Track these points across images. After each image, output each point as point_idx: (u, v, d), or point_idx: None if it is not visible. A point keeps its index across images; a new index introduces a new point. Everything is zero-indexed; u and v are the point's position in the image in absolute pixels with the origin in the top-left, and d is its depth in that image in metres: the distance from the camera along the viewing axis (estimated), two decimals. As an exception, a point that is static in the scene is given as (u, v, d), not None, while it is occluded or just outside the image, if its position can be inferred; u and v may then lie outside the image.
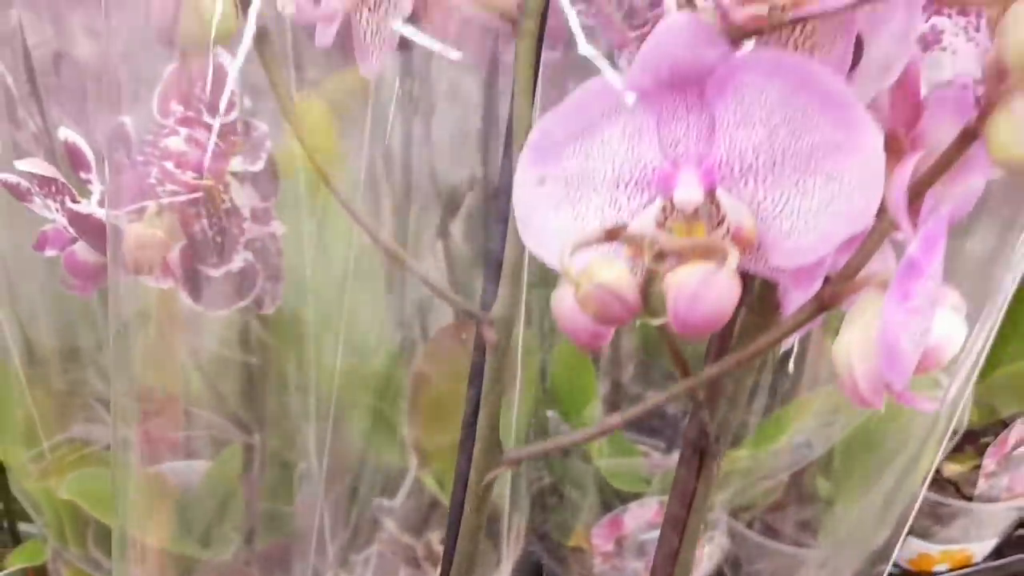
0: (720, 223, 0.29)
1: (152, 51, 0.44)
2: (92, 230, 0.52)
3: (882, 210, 0.28)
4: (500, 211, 0.30)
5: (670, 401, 0.30)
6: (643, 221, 0.29)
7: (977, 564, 0.88)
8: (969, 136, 0.28)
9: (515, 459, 0.30)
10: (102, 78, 0.47)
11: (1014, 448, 0.82)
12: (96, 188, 0.54)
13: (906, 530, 0.66)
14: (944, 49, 0.49)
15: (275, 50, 0.29)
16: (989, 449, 0.81)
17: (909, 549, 0.87)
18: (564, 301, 0.28)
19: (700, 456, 0.34)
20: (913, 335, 0.25)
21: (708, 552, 0.80)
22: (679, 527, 0.35)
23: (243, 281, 0.53)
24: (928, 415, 0.74)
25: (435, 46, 0.28)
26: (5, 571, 0.74)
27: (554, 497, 0.79)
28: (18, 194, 0.52)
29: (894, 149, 0.31)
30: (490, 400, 0.29)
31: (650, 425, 0.78)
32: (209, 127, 0.47)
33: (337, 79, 0.47)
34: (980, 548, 0.88)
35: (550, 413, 0.75)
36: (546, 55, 0.31)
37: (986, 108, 0.27)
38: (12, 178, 0.51)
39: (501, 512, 0.66)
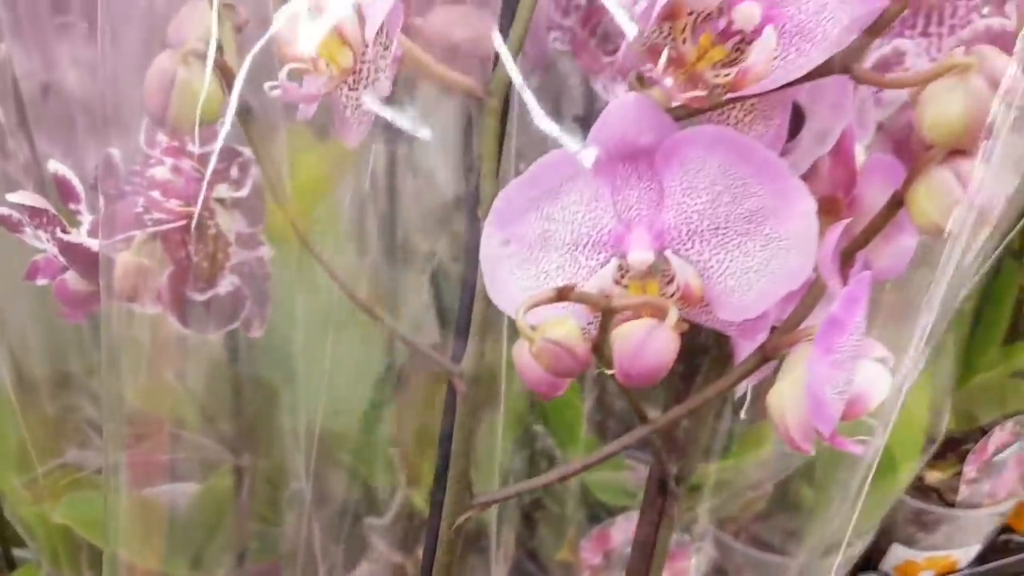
0: (671, 281, 0.33)
1: (138, 79, 0.46)
2: (81, 259, 0.54)
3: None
4: (468, 269, 0.34)
5: (626, 447, 0.34)
6: (601, 279, 0.33)
7: (962, 570, 0.92)
8: (898, 201, 0.32)
9: (486, 503, 0.33)
10: (92, 109, 0.50)
11: (994, 454, 0.85)
12: (85, 218, 0.56)
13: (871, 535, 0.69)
14: (907, 70, 0.53)
15: (261, 126, 0.32)
16: (969, 456, 0.84)
17: (894, 556, 0.90)
18: (522, 355, 0.31)
19: (663, 496, 0.37)
20: (837, 386, 0.29)
21: (695, 563, 0.83)
22: (644, 563, 0.38)
23: (231, 305, 0.55)
24: (912, 415, 0.78)
25: (407, 125, 0.31)
26: (1, 597, 0.77)
27: (542, 511, 0.81)
28: (9, 225, 0.54)
29: (833, 211, 0.34)
30: (461, 446, 0.32)
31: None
32: (194, 156, 0.50)
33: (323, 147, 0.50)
34: (964, 554, 0.91)
35: (538, 427, 0.78)
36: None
37: (909, 176, 0.31)
38: (4, 210, 0.53)
39: (489, 528, 0.69)
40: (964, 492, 0.86)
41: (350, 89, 0.34)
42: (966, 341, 0.82)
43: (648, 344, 0.29)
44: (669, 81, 0.30)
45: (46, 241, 0.55)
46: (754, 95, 0.31)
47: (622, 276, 0.33)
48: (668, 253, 0.32)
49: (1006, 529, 0.94)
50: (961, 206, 0.29)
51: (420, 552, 0.74)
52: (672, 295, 0.33)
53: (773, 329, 0.34)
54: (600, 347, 0.31)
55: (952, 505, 0.87)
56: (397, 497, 0.74)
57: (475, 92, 0.33)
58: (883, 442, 0.34)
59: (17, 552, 0.79)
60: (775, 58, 0.30)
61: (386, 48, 0.33)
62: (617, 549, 0.79)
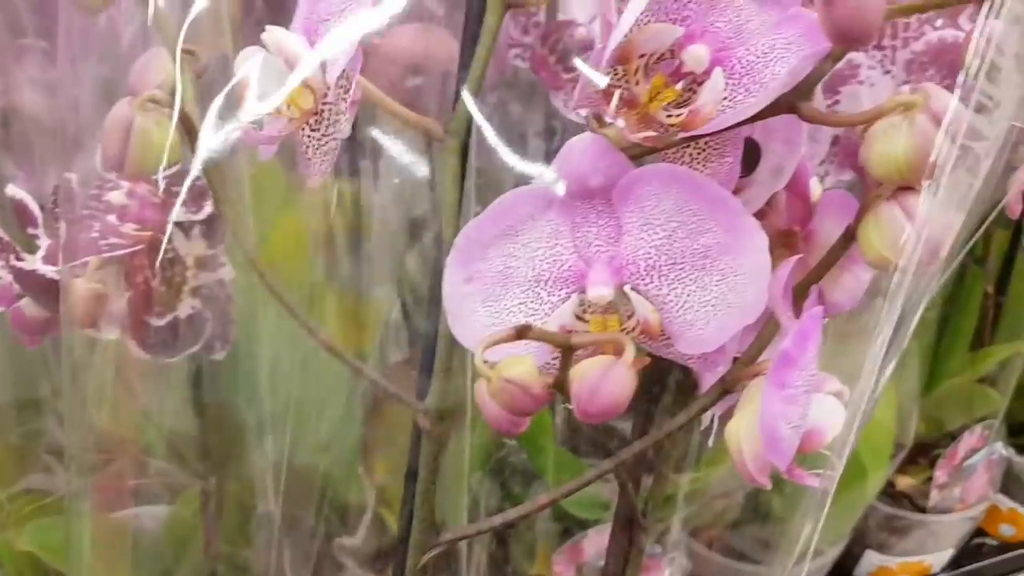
0: (632, 315, 0.34)
1: (98, 104, 0.47)
2: (37, 286, 0.55)
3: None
4: (432, 306, 0.35)
5: (589, 483, 0.35)
6: (563, 314, 0.34)
7: (936, 574, 0.94)
8: (851, 235, 0.33)
9: (451, 540, 0.34)
10: (51, 132, 0.51)
11: (964, 459, 0.87)
12: (43, 243, 0.57)
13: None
14: (861, 83, 0.54)
15: (225, 176, 0.34)
16: (940, 461, 0.86)
17: (868, 563, 0.92)
18: (483, 393, 0.32)
19: (630, 529, 0.39)
20: (791, 421, 0.30)
21: (669, 574, 0.85)
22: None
23: (191, 328, 0.56)
24: (880, 424, 0.80)
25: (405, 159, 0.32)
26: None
27: (514, 526, 0.83)
28: (-35, 253, 0.55)
29: (790, 245, 0.36)
30: (426, 485, 0.34)
31: (607, 450, 0.82)
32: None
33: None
34: (937, 559, 0.93)
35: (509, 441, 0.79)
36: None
37: (860, 212, 0.33)
38: (-41, 238, 0.54)
39: (460, 543, 0.70)
40: (935, 497, 0.88)
41: (311, 130, 0.35)
42: (933, 348, 0.84)
43: (604, 382, 0.31)
44: (622, 122, 0.31)
45: (1, 268, 0.55)
46: (705, 134, 0.32)
47: (584, 311, 0.34)
48: (627, 289, 0.34)
49: (979, 533, 0.97)
50: (909, 241, 0.30)
51: (391, 570, 0.75)
52: (633, 329, 0.34)
53: (736, 360, 0.35)
54: (562, 383, 0.32)
55: (924, 510, 0.89)
56: (367, 516, 0.75)
57: (434, 133, 0.34)
58: (842, 464, 0.36)
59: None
60: (724, 99, 0.31)
61: (346, 91, 0.34)
62: (590, 562, 0.81)
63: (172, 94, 0.33)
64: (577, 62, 0.32)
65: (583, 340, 0.32)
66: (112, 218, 0.50)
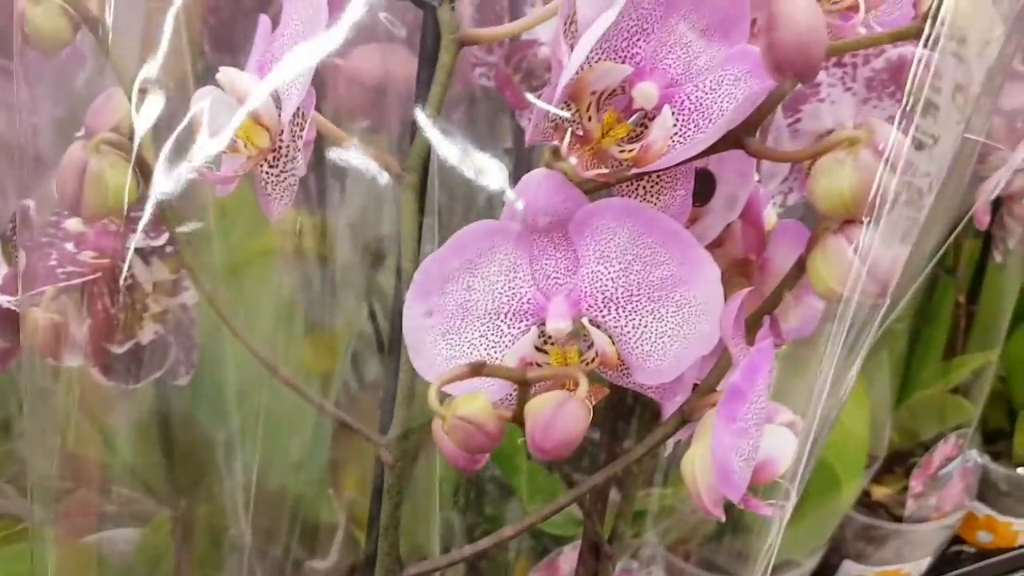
0: (592, 346, 0.35)
1: (56, 130, 0.48)
2: None
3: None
4: (393, 340, 0.36)
5: (556, 513, 0.36)
6: (523, 346, 0.35)
7: (914, 583, 0.95)
8: (803, 265, 0.34)
9: (418, 574, 0.35)
10: (10, 157, 0.51)
11: (939, 468, 0.89)
12: (0, 272, 0.57)
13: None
14: (822, 100, 0.55)
15: (185, 211, 0.34)
16: (915, 471, 0.88)
17: (846, 572, 0.94)
18: (438, 431, 0.33)
19: (597, 558, 0.40)
20: (742, 454, 0.31)
21: (647, 588, 0.86)
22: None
23: (154, 354, 0.56)
24: (853, 435, 0.81)
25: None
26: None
27: (485, 555, 0.83)
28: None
29: (747, 273, 0.37)
30: (390, 520, 0.35)
31: (581, 466, 0.83)
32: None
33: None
34: (915, 567, 0.94)
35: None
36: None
37: (809, 244, 0.34)
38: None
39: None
40: (911, 506, 0.90)
41: (270, 166, 0.36)
42: (905, 358, 0.86)
43: (557, 418, 0.32)
44: (574, 159, 0.32)
45: (-44, 299, 0.56)
46: (657, 169, 0.33)
47: (544, 343, 0.35)
48: (584, 321, 0.35)
49: (957, 540, 0.98)
50: (855, 272, 0.32)
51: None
52: (592, 360, 0.35)
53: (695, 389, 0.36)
54: (520, 417, 0.33)
55: (900, 520, 0.91)
56: (339, 537, 0.76)
57: (392, 169, 0.35)
58: (798, 491, 0.37)
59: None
60: (675, 134, 0.32)
61: (301, 128, 0.35)
62: (566, 579, 0.82)
63: (127, 135, 0.34)
64: (530, 97, 0.33)
65: (537, 375, 0.33)
66: (70, 246, 0.50)
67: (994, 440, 0.97)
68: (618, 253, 0.34)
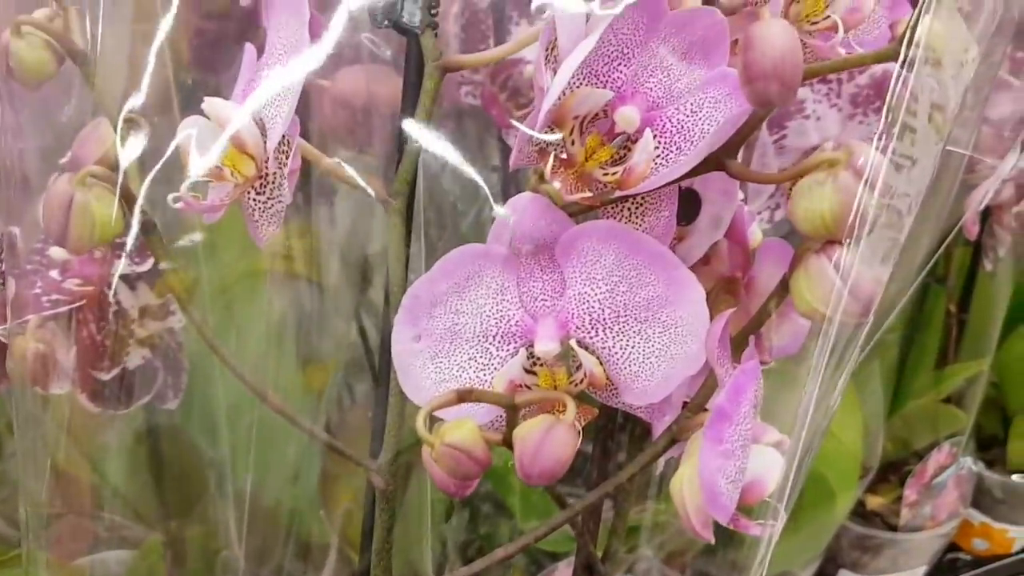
0: (580, 367, 0.36)
1: (41, 158, 0.48)
2: None
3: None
4: (382, 365, 0.37)
5: (549, 534, 0.37)
6: (512, 368, 0.36)
7: (910, 592, 0.96)
8: (787, 285, 0.35)
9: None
10: None
11: (934, 477, 0.90)
12: (-18, 299, 0.58)
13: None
14: (807, 117, 0.56)
15: (163, 239, 0.35)
16: (909, 480, 0.88)
17: (842, 583, 0.94)
18: (427, 458, 0.34)
19: (590, 573, 0.40)
20: (729, 476, 0.32)
21: (641, 603, 0.86)
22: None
23: (142, 379, 0.57)
24: (846, 447, 0.81)
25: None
26: None
27: (484, 561, 0.83)
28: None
29: (733, 291, 0.38)
30: (382, 544, 0.35)
31: (575, 484, 0.84)
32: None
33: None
34: (912, 576, 0.95)
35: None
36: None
37: (792, 263, 0.34)
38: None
39: None
40: (906, 515, 0.90)
41: (257, 194, 0.37)
42: (897, 368, 0.86)
43: (545, 443, 0.32)
44: (558, 183, 0.33)
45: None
46: (641, 192, 0.34)
47: (533, 365, 0.36)
48: (572, 342, 0.35)
49: (953, 548, 0.99)
50: (837, 293, 0.32)
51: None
52: (581, 381, 0.36)
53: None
54: (510, 441, 0.34)
55: (895, 529, 0.91)
56: (332, 555, 0.76)
57: (379, 194, 0.36)
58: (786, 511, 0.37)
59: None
60: (657, 157, 0.33)
61: (287, 156, 0.36)
62: (561, 596, 0.82)
63: (112, 167, 0.35)
64: (514, 122, 0.33)
65: (525, 399, 0.34)
66: (55, 273, 0.50)
67: (988, 447, 0.97)
68: (604, 275, 0.35)
